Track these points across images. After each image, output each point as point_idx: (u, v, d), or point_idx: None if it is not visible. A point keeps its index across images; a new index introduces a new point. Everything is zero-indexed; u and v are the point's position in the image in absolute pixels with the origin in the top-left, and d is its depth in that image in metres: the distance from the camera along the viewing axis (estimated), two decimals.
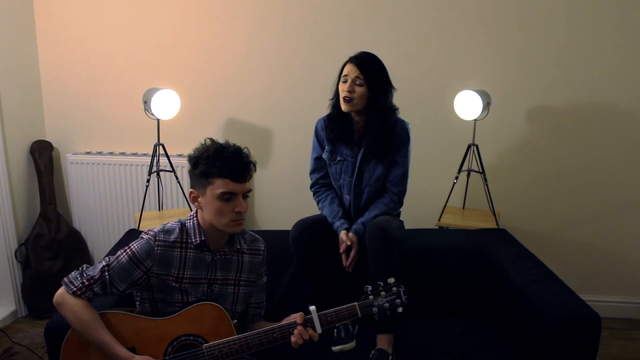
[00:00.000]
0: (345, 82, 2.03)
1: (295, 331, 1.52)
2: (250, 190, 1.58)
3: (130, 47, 2.95)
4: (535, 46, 2.72)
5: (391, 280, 1.60)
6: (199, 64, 2.94)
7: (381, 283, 1.59)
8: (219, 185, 1.51)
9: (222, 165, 1.50)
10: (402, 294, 1.58)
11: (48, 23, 2.97)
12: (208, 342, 1.53)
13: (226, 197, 1.52)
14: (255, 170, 1.59)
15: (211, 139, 1.58)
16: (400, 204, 2.17)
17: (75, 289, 1.52)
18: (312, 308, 1.55)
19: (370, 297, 1.57)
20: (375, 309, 1.57)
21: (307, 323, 1.54)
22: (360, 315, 1.56)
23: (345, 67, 2.05)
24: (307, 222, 2.08)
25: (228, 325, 1.55)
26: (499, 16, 2.72)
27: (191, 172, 1.57)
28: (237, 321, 1.61)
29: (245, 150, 1.57)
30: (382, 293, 1.58)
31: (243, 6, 2.85)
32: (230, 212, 1.53)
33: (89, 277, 1.54)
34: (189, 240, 1.59)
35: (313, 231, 2.05)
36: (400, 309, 1.58)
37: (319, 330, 1.54)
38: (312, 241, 2.03)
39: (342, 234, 2.05)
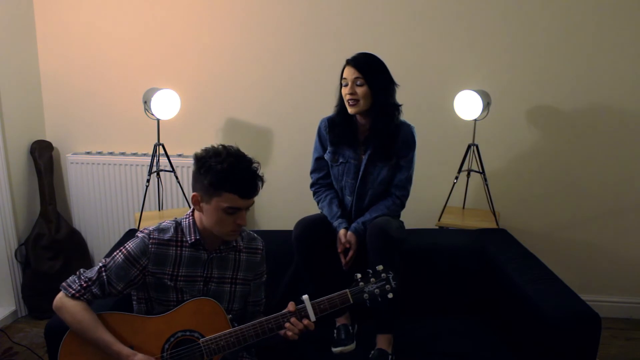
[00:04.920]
0: (346, 85, 2.04)
1: (287, 324, 1.53)
2: (253, 202, 1.57)
3: (130, 47, 2.95)
4: (535, 46, 2.72)
5: (380, 267, 1.63)
6: (199, 64, 2.94)
7: (370, 270, 1.62)
8: (226, 199, 1.50)
9: (235, 181, 1.48)
10: (391, 280, 1.61)
11: (48, 23, 2.97)
12: (205, 337, 1.54)
13: (230, 212, 1.51)
14: (262, 186, 1.57)
15: (224, 147, 1.54)
16: (402, 206, 2.18)
17: (73, 291, 1.53)
18: (305, 297, 1.57)
19: (361, 283, 1.60)
20: (366, 295, 1.59)
21: (301, 312, 1.56)
22: (352, 301, 1.58)
23: (344, 71, 2.06)
24: (310, 220, 2.08)
25: (224, 319, 1.56)
26: (499, 16, 2.71)
27: (197, 176, 1.53)
28: (231, 316, 1.62)
29: (256, 165, 1.54)
30: (372, 279, 1.61)
31: (243, 6, 2.85)
32: (231, 224, 1.53)
33: (87, 278, 1.55)
34: (184, 239, 1.60)
35: (315, 230, 2.06)
36: (390, 295, 1.60)
37: (312, 318, 1.55)
38: (314, 240, 2.04)
39: (341, 234, 2.06)
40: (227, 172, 1.48)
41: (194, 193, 1.56)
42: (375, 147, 2.08)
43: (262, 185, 1.56)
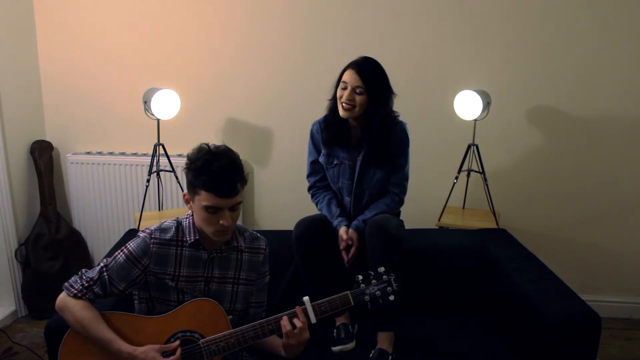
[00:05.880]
0: (345, 89, 2.00)
1: (282, 323, 1.53)
2: (239, 203, 1.53)
3: (130, 47, 2.95)
4: (535, 46, 2.72)
5: (381, 269, 1.62)
6: (199, 64, 2.94)
7: (372, 272, 1.62)
8: (204, 198, 1.49)
9: (208, 179, 1.46)
10: (392, 282, 1.60)
11: (48, 23, 2.97)
12: (205, 338, 1.54)
13: (210, 211, 1.50)
14: (245, 184, 1.54)
15: (208, 145, 1.53)
16: (401, 203, 2.18)
17: (75, 291, 1.53)
18: (306, 298, 1.56)
19: (362, 285, 1.60)
20: (367, 297, 1.59)
21: (293, 314, 1.55)
22: (353, 303, 1.58)
23: (345, 72, 2.02)
24: (310, 220, 2.08)
25: (224, 320, 1.56)
26: (499, 16, 2.71)
27: (185, 175, 1.55)
28: (232, 317, 1.61)
29: (238, 161, 1.51)
30: (374, 281, 1.60)
31: (243, 6, 2.85)
32: (216, 224, 1.51)
33: (89, 278, 1.55)
34: (184, 239, 1.60)
35: (315, 230, 2.06)
36: (391, 297, 1.60)
37: (313, 320, 1.55)
38: (314, 240, 2.04)
39: (342, 231, 2.05)
40: (200, 170, 1.48)
41: (184, 192, 1.57)
42: (368, 149, 2.08)
43: (243, 186, 1.53)
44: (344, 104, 2.00)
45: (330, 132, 2.12)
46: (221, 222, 1.50)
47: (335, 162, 2.13)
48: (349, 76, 2.00)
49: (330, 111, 2.12)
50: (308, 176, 2.26)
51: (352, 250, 2.04)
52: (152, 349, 1.48)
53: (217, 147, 1.53)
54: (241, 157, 1.59)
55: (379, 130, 2.04)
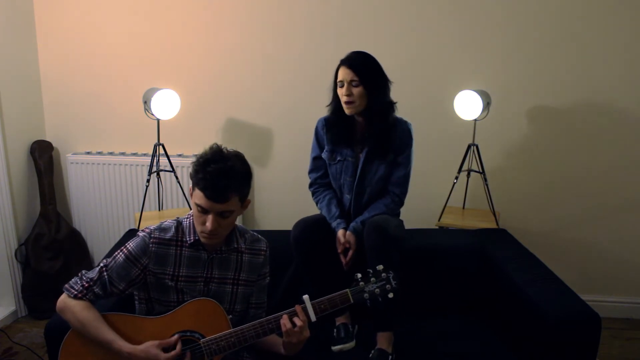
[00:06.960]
0: (342, 86, 2.03)
1: (283, 325, 1.52)
2: (230, 211, 1.51)
3: (130, 47, 2.95)
4: (535, 46, 2.72)
5: (380, 267, 1.62)
6: (199, 64, 2.94)
7: (370, 270, 1.62)
8: (196, 195, 1.50)
9: (202, 178, 1.47)
10: (391, 280, 1.61)
11: (48, 23, 2.97)
12: (205, 337, 1.54)
13: (200, 209, 1.51)
14: (243, 195, 1.53)
15: (219, 146, 1.53)
16: (401, 204, 2.18)
17: (76, 292, 1.54)
18: (305, 297, 1.56)
19: (361, 283, 1.60)
20: (366, 295, 1.59)
21: (293, 312, 1.55)
22: (352, 301, 1.58)
23: (339, 71, 2.05)
24: (308, 221, 2.08)
25: (224, 320, 1.56)
26: (499, 16, 2.72)
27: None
28: (231, 317, 1.61)
29: (239, 170, 1.50)
30: (372, 279, 1.61)
31: (243, 6, 2.86)
32: (202, 224, 1.52)
33: (89, 279, 1.56)
34: (184, 239, 1.60)
35: (314, 231, 2.05)
36: (390, 295, 1.60)
37: (313, 318, 1.55)
38: (313, 240, 2.04)
39: (340, 234, 2.05)
40: (198, 167, 1.49)
41: (190, 186, 1.58)
42: (371, 145, 2.08)
43: (239, 195, 1.51)
44: (346, 102, 2.03)
45: (335, 133, 2.13)
46: (207, 223, 1.50)
47: (338, 159, 2.14)
48: (342, 73, 2.03)
49: (332, 112, 2.14)
50: (310, 172, 2.26)
51: (350, 253, 2.04)
52: (152, 345, 1.48)
53: (227, 151, 1.53)
54: None
55: (380, 120, 2.05)
